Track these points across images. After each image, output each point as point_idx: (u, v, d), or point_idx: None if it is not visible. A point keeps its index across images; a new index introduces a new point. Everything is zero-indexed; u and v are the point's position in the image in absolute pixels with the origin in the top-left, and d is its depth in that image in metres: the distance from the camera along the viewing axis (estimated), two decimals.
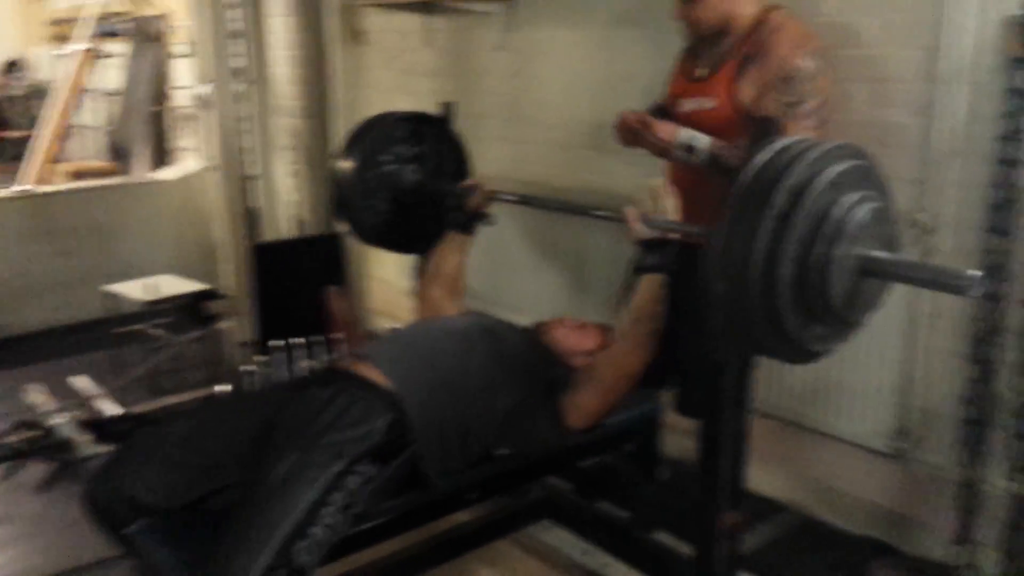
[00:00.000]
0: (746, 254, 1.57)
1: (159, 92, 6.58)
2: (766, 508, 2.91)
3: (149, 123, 6.67)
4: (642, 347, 2.09)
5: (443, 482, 2.00)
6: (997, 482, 2.46)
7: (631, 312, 2.12)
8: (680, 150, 2.33)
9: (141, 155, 6.64)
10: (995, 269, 2.35)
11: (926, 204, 2.53)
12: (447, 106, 2.90)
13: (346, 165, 2.82)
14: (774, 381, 2.90)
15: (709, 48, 2.48)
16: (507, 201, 2.62)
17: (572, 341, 2.30)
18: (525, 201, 2.65)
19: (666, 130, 2.35)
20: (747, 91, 2.35)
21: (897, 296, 2.16)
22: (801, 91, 2.28)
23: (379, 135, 2.84)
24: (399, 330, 2.26)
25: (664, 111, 2.61)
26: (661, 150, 2.37)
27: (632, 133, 2.40)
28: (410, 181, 2.86)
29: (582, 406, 2.12)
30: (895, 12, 2.58)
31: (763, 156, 1.66)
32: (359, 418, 1.84)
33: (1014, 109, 2.30)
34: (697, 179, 2.39)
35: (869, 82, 2.66)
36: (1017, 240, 2.34)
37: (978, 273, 1.55)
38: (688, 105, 2.49)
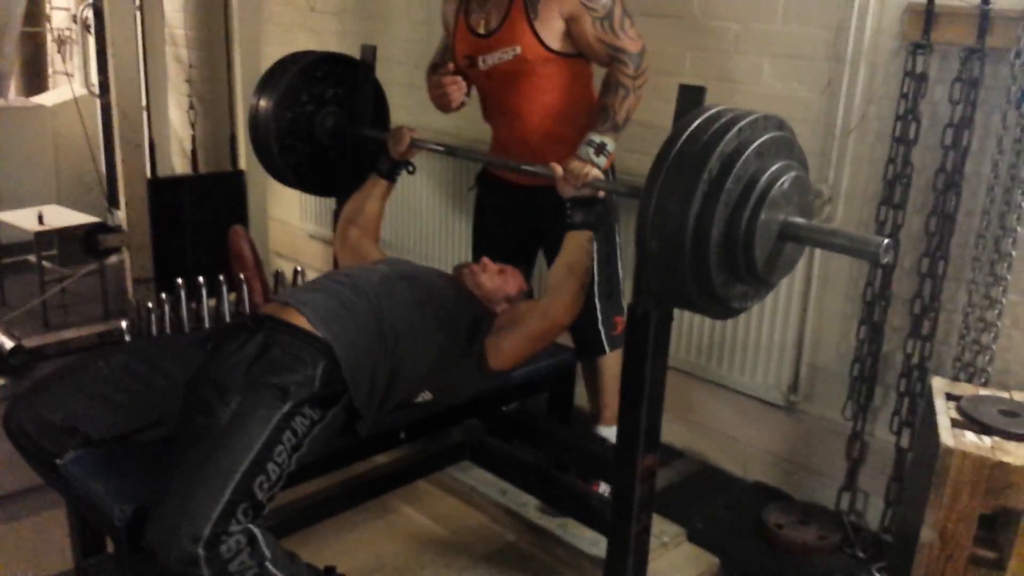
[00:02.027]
0: (680, 216, 1.66)
1: (36, 13, 6.20)
2: (666, 455, 3.07)
3: (23, 45, 6.29)
4: (575, 300, 2.17)
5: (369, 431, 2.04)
6: (881, 435, 2.67)
7: (562, 267, 2.19)
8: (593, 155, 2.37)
9: (12, 78, 6.26)
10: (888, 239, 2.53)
11: (827, 176, 2.70)
12: (368, 49, 2.88)
13: (262, 103, 2.78)
14: (679, 336, 3.05)
15: (482, 1, 2.52)
16: (431, 150, 2.64)
17: (494, 285, 2.34)
18: (450, 151, 2.67)
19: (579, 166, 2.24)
20: (550, 30, 2.42)
21: None
22: (602, 2, 2.37)
23: (297, 75, 2.79)
24: (322, 276, 2.26)
25: (459, 72, 2.63)
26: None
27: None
28: (329, 124, 2.84)
29: (504, 350, 2.17)
30: None
31: (692, 122, 1.75)
32: (295, 363, 1.85)
33: (910, 91, 2.48)
34: (535, 105, 2.50)
35: (776, 57, 2.80)
36: (908, 213, 2.53)
37: (887, 240, 1.69)
38: (489, 60, 2.51)
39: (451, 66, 2.63)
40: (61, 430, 1.88)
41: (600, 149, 2.35)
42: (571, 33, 2.43)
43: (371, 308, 2.05)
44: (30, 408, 1.92)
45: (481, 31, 2.53)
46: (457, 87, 2.60)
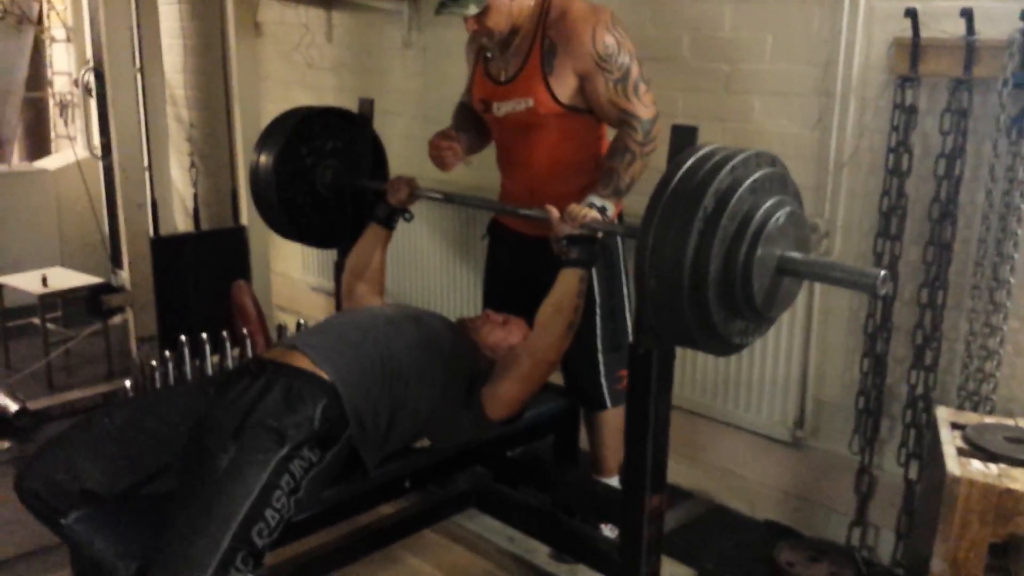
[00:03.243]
0: (677, 253, 1.68)
1: (38, 78, 6.29)
2: (674, 495, 3.05)
3: (25, 110, 6.38)
4: (561, 338, 2.18)
5: (376, 472, 2.04)
6: (889, 468, 2.65)
7: (551, 304, 2.20)
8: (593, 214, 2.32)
9: (15, 143, 6.34)
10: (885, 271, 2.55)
11: (822, 210, 2.72)
12: (366, 102, 2.93)
13: (263, 159, 2.82)
14: (682, 375, 3.04)
15: (503, 48, 2.52)
16: (430, 198, 2.67)
17: (496, 337, 2.34)
18: (449, 199, 2.70)
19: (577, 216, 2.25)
20: (563, 85, 2.43)
21: None
22: (619, 64, 2.37)
23: (296, 129, 2.83)
24: (326, 320, 2.28)
25: (475, 117, 2.69)
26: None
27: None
28: (329, 177, 2.88)
29: (500, 396, 2.18)
30: (790, 30, 2.75)
31: (685, 161, 1.77)
32: (295, 405, 1.87)
33: (901, 123, 2.51)
34: (544, 158, 2.52)
35: (766, 95, 2.84)
36: (905, 244, 2.54)
37: (884, 271, 1.70)
38: (503, 109, 2.53)
39: (453, 132, 2.65)
40: (68, 489, 1.88)
41: (600, 212, 2.31)
42: (584, 91, 2.43)
43: (376, 347, 2.08)
44: (39, 468, 1.93)
45: (499, 78, 2.54)
46: (452, 153, 2.61)
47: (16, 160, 6.28)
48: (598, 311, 2.54)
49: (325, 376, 1.96)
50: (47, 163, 5.84)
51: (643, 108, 2.38)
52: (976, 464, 2.00)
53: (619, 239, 2.57)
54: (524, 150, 2.56)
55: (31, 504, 1.92)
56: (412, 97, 4.02)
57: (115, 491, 1.91)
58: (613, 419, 2.63)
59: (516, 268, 2.72)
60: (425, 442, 2.23)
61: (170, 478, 1.91)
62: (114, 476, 1.92)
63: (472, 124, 2.73)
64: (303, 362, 1.98)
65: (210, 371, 3.05)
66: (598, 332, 2.55)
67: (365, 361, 2.04)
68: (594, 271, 2.46)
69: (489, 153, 2.75)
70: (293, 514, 1.81)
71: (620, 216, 2.59)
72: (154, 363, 2.93)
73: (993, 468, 1.98)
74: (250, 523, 1.71)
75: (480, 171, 2.82)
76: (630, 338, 2.61)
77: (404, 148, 3.74)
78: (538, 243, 2.44)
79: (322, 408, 1.89)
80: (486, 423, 2.21)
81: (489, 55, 2.57)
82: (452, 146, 2.61)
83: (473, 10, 2.36)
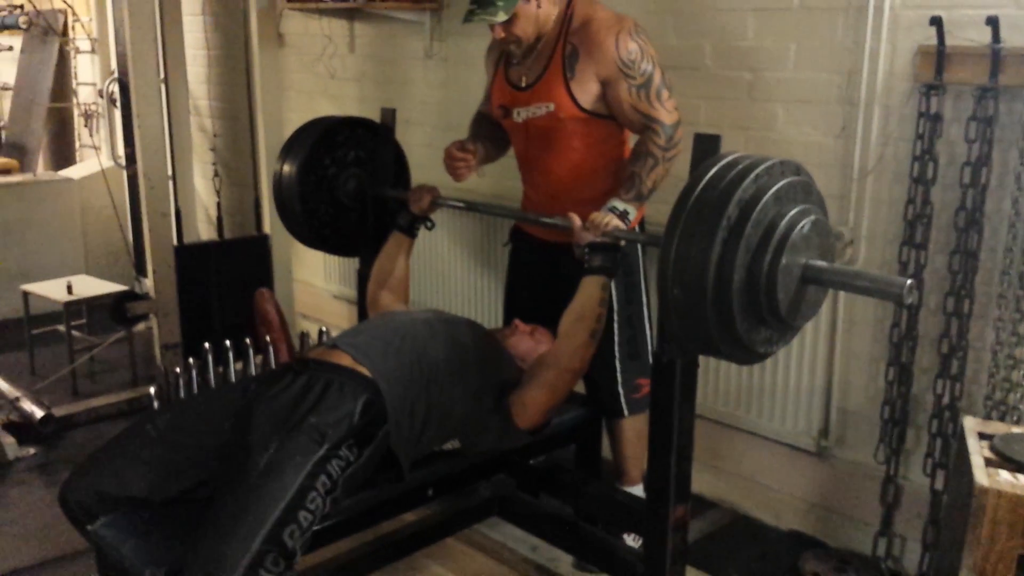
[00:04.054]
0: (701, 262, 1.67)
1: (62, 88, 6.36)
2: (698, 505, 3.04)
3: (50, 120, 6.46)
4: (584, 346, 2.18)
5: (410, 472, 2.07)
6: (915, 478, 2.63)
7: (574, 312, 2.21)
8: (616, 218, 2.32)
9: (40, 152, 6.42)
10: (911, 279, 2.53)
11: (846, 219, 2.71)
12: (388, 112, 2.94)
13: (286, 168, 2.84)
14: (705, 384, 3.03)
15: (525, 54, 2.53)
16: (452, 207, 2.68)
17: (526, 346, 2.36)
18: (471, 207, 2.71)
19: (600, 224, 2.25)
20: (585, 91, 2.43)
21: None
22: (642, 70, 2.38)
23: (319, 139, 2.86)
24: (364, 322, 2.32)
25: (492, 126, 2.71)
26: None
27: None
28: (351, 186, 2.90)
29: (527, 403, 2.19)
30: (814, 38, 2.74)
31: (709, 170, 1.77)
32: (337, 401, 1.90)
33: (925, 131, 2.49)
34: (565, 163, 2.52)
35: (790, 103, 2.83)
36: (930, 252, 2.52)
37: (910, 280, 1.69)
38: (522, 114, 2.54)
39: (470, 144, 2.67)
40: (117, 497, 1.90)
41: (622, 216, 2.32)
42: (606, 97, 2.43)
43: (414, 349, 2.12)
44: (87, 481, 1.94)
45: (520, 84, 2.55)
46: (465, 165, 2.63)
47: (41, 169, 6.36)
48: (616, 318, 2.53)
49: (366, 372, 2.00)
50: (72, 172, 5.90)
51: (666, 114, 2.39)
52: (1004, 475, 1.98)
53: (638, 246, 2.56)
54: (545, 156, 2.57)
55: (75, 517, 1.94)
56: (433, 107, 4.04)
57: (163, 497, 1.93)
58: (632, 428, 2.63)
59: (539, 274, 2.72)
60: (455, 444, 2.24)
61: (215, 484, 1.92)
62: (163, 482, 1.93)
63: (488, 133, 2.74)
64: (344, 359, 2.04)
65: (233, 378, 3.08)
66: (615, 339, 2.55)
67: (404, 361, 2.08)
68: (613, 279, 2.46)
69: (510, 163, 2.76)
70: (329, 512, 1.83)
71: (642, 222, 2.59)
72: (178, 370, 2.95)
73: (1022, 479, 1.96)
74: (283, 525, 1.73)
75: (501, 180, 2.84)
76: (649, 346, 2.62)
77: (426, 157, 3.75)
78: (561, 249, 2.44)
79: (363, 403, 1.93)
80: (514, 431, 2.21)
81: (515, 61, 2.57)
82: (466, 158, 2.63)
83: (502, 17, 2.37)
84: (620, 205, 2.35)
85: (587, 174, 2.53)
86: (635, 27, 2.41)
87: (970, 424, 2.23)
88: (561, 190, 2.54)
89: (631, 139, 2.54)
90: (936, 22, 2.39)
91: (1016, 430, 2.20)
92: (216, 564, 1.67)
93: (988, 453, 2.08)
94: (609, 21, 2.41)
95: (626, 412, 2.62)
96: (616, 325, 2.54)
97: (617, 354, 2.57)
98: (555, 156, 2.54)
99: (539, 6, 2.42)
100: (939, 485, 2.54)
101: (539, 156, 2.59)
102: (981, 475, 1.96)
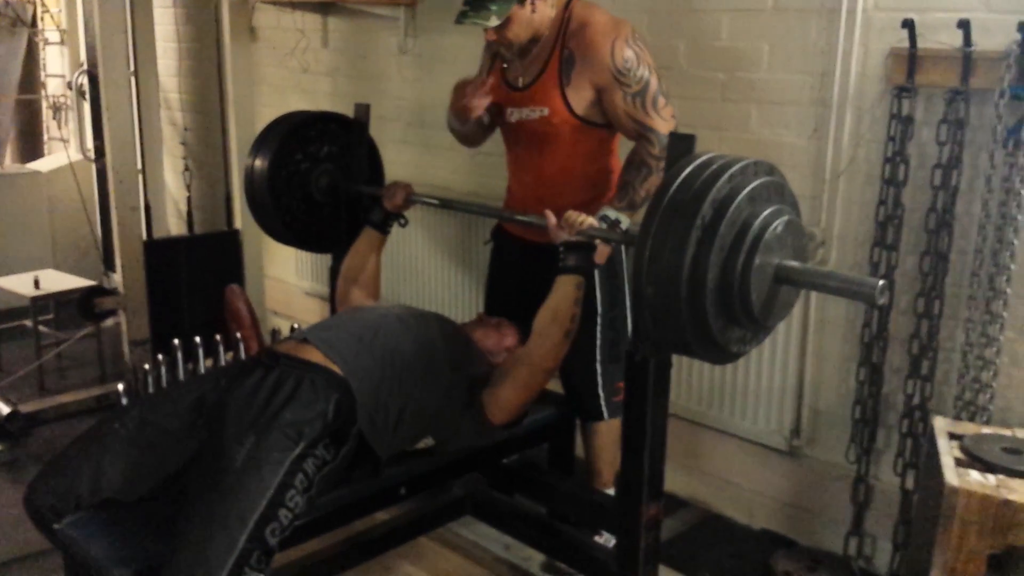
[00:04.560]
0: (675, 261, 1.67)
1: (31, 80, 6.27)
2: (671, 504, 3.04)
3: (18, 112, 6.36)
4: (558, 346, 2.17)
5: (385, 470, 2.06)
6: (886, 478, 2.65)
7: (548, 311, 2.19)
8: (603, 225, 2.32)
9: (8, 145, 6.32)
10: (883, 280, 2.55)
11: (818, 219, 2.72)
12: (362, 108, 2.92)
13: (258, 163, 2.81)
14: (679, 383, 3.03)
15: (522, 55, 2.51)
16: (426, 204, 2.66)
17: (493, 340, 2.35)
18: (445, 204, 2.69)
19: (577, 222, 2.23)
20: (580, 97, 2.42)
21: None
22: (637, 77, 2.36)
23: (291, 133, 2.82)
24: (336, 315, 2.30)
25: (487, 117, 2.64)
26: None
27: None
28: (324, 182, 2.87)
29: (500, 401, 2.18)
30: (787, 40, 2.75)
31: (683, 169, 1.77)
32: (310, 397, 1.88)
33: (897, 134, 2.51)
34: (554, 167, 2.50)
35: (763, 104, 2.84)
36: (901, 254, 2.54)
37: (883, 281, 1.70)
38: (515, 115, 2.52)
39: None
40: (90, 501, 1.87)
41: (613, 225, 2.31)
42: (601, 104, 2.42)
43: (386, 345, 2.10)
44: (51, 484, 1.90)
45: (516, 84, 2.53)
46: (484, 92, 2.45)
47: (9, 162, 6.26)
48: (599, 320, 2.52)
49: (337, 370, 1.98)
50: (40, 165, 5.82)
51: (661, 122, 2.37)
52: (974, 475, 2.00)
53: (623, 249, 2.56)
54: (535, 159, 2.55)
55: (40, 518, 1.90)
56: (408, 103, 4.01)
57: (134, 496, 1.90)
58: (609, 431, 2.62)
59: (520, 274, 2.70)
60: (429, 441, 2.23)
61: (185, 479, 1.89)
62: (133, 481, 1.90)
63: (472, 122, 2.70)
64: (315, 356, 2.02)
65: None
66: (598, 342, 2.54)
67: (376, 357, 2.06)
68: (597, 280, 2.45)
69: (485, 160, 2.75)
70: (304, 513, 1.81)
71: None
72: (147, 366, 2.92)
73: (991, 479, 1.98)
74: (265, 522, 1.72)
75: (478, 177, 2.83)
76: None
77: (400, 153, 3.74)
78: (543, 249, 2.43)
79: (335, 402, 1.91)
80: (488, 427, 2.20)
81: (506, 65, 2.55)
82: (484, 82, 2.47)
83: (495, 22, 2.35)
84: (612, 213, 2.34)
85: (575, 180, 2.51)
86: (632, 33, 2.40)
87: (940, 424, 2.25)
88: (548, 193, 2.52)
89: (623, 147, 2.52)
90: (908, 25, 2.40)
91: (986, 431, 2.22)
92: (202, 566, 1.65)
93: (958, 453, 2.10)
94: (606, 27, 2.40)
95: (606, 415, 2.60)
96: (599, 328, 2.53)
97: (599, 356, 2.55)
98: (545, 159, 2.53)
99: (534, 10, 2.39)
100: (910, 485, 2.56)
101: (529, 157, 2.58)
102: (951, 475, 1.98)
